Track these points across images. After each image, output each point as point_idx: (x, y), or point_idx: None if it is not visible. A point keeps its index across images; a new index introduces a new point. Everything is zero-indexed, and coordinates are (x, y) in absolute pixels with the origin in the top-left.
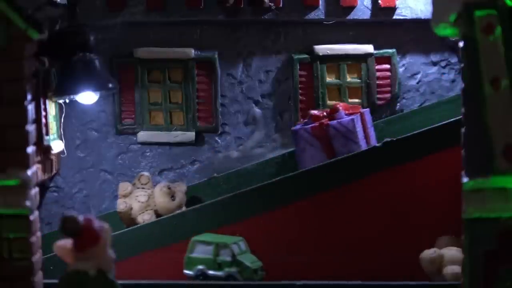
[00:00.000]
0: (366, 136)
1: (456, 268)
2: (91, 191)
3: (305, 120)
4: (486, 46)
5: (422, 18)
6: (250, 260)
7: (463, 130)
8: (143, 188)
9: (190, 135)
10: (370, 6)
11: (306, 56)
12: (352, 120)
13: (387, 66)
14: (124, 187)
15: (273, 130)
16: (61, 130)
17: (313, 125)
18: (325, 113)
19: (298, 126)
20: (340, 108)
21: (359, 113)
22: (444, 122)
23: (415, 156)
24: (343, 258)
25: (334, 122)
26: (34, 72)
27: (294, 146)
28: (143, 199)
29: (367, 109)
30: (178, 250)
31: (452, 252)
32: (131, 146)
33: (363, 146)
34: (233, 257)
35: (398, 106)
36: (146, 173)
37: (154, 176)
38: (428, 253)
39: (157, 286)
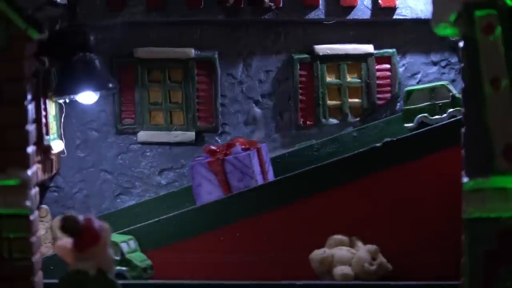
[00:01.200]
0: (263, 172)
1: (345, 269)
2: (91, 191)
3: (202, 155)
4: (486, 46)
5: (422, 18)
6: (139, 259)
7: (463, 130)
8: (41, 221)
9: (190, 135)
10: (370, 6)
11: (306, 56)
12: (249, 155)
13: (387, 66)
14: None
15: (273, 130)
16: (61, 130)
17: (209, 159)
18: (222, 148)
19: (195, 161)
20: (237, 143)
21: (255, 149)
22: (444, 122)
23: (415, 156)
24: None
25: (230, 157)
26: (34, 72)
27: (192, 181)
28: (41, 232)
29: (264, 144)
30: (179, 250)
31: (342, 252)
32: (131, 146)
33: (260, 181)
34: (122, 255)
35: (398, 106)
36: (44, 206)
37: (154, 176)
38: (318, 253)
39: (157, 286)
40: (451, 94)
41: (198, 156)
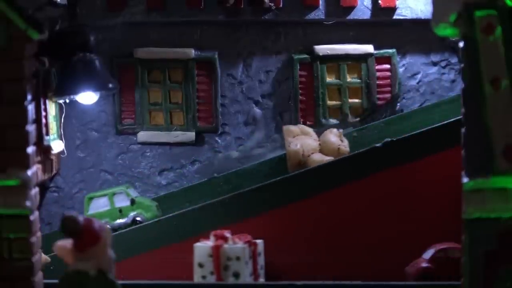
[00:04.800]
0: None
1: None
2: (91, 191)
3: None
4: (486, 46)
5: (422, 18)
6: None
7: (463, 130)
8: None
9: (190, 135)
10: (370, 6)
11: (306, 56)
12: None
13: (387, 66)
14: None
15: (273, 130)
16: (61, 130)
17: None
18: None
19: None
20: None
21: None
22: (444, 122)
23: (415, 156)
24: (342, 258)
25: None
26: (34, 72)
27: None
28: None
29: None
30: (179, 250)
31: None
32: (131, 146)
33: None
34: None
35: (398, 106)
36: None
37: (154, 176)
38: None
39: (157, 286)
40: (130, 198)
41: None
